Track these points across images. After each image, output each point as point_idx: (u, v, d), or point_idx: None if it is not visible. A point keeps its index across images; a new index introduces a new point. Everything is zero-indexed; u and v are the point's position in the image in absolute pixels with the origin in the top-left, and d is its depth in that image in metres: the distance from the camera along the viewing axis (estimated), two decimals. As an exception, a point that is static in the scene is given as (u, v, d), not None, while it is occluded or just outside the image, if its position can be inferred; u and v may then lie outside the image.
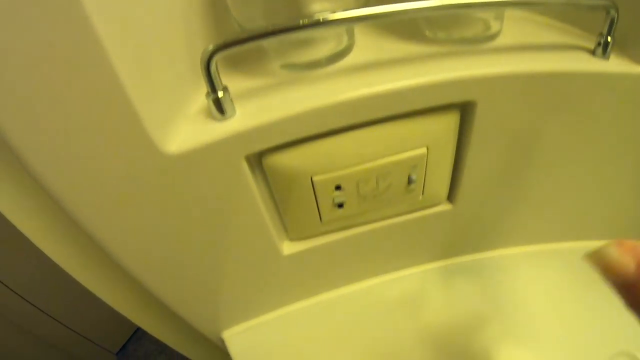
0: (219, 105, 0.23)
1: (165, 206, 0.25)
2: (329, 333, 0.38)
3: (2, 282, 0.86)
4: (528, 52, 0.27)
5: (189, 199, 0.25)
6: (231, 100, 0.23)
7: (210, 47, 0.21)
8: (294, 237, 0.33)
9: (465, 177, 0.32)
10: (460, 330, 0.36)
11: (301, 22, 0.21)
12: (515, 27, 0.30)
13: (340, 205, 0.29)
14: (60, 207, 0.23)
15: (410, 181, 0.29)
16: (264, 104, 0.24)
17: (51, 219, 0.33)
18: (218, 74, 0.22)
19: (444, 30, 0.28)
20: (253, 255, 0.32)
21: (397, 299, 0.40)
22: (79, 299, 1.02)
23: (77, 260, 0.37)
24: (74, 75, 0.18)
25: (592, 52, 0.26)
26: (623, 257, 0.16)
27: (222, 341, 0.39)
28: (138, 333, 1.21)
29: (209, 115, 0.24)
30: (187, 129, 0.23)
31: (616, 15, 0.24)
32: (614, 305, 0.20)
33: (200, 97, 0.25)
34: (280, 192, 0.28)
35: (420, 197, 0.31)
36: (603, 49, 0.26)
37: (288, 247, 0.33)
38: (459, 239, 0.40)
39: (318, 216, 0.30)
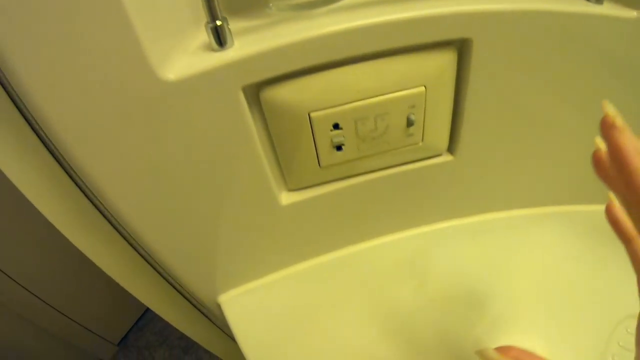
0: (217, 34, 0.23)
1: (164, 141, 0.25)
2: (329, 297, 0.38)
3: (3, 272, 0.86)
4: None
5: (187, 134, 0.25)
6: (230, 31, 0.24)
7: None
8: (292, 187, 0.33)
9: (465, 125, 0.32)
10: (463, 293, 0.36)
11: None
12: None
13: (339, 148, 0.29)
14: (55, 142, 0.23)
15: (409, 123, 0.29)
16: (261, 36, 0.25)
17: (50, 180, 0.33)
18: (218, 3, 0.22)
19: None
20: (251, 205, 0.32)
21: (399, 261, 0.39)
22: (81, 289, 1.02)
23: (76, 223, 0.37)
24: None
25: (587, -1, 0.27)
26: None
27: (219, 306, 0.39)
28: (139, 324, 1.20)
29: (208, 48, 0.24)
30: (186, 59, 0.24)
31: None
32: (623, 267, 0.20)
33: (200, 35, 0.25)
34: (278, 131, 0.28)
35: (420, 144, 0.31)
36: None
37: (286, 197, 0.33)
38: (462, 198, 0.39)
39: (316, 160, 0.30)
